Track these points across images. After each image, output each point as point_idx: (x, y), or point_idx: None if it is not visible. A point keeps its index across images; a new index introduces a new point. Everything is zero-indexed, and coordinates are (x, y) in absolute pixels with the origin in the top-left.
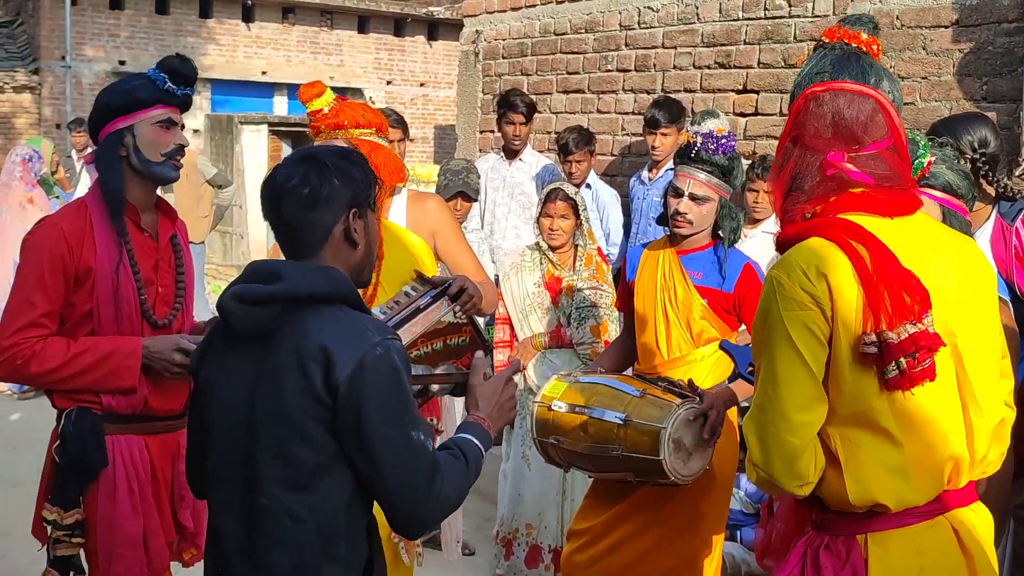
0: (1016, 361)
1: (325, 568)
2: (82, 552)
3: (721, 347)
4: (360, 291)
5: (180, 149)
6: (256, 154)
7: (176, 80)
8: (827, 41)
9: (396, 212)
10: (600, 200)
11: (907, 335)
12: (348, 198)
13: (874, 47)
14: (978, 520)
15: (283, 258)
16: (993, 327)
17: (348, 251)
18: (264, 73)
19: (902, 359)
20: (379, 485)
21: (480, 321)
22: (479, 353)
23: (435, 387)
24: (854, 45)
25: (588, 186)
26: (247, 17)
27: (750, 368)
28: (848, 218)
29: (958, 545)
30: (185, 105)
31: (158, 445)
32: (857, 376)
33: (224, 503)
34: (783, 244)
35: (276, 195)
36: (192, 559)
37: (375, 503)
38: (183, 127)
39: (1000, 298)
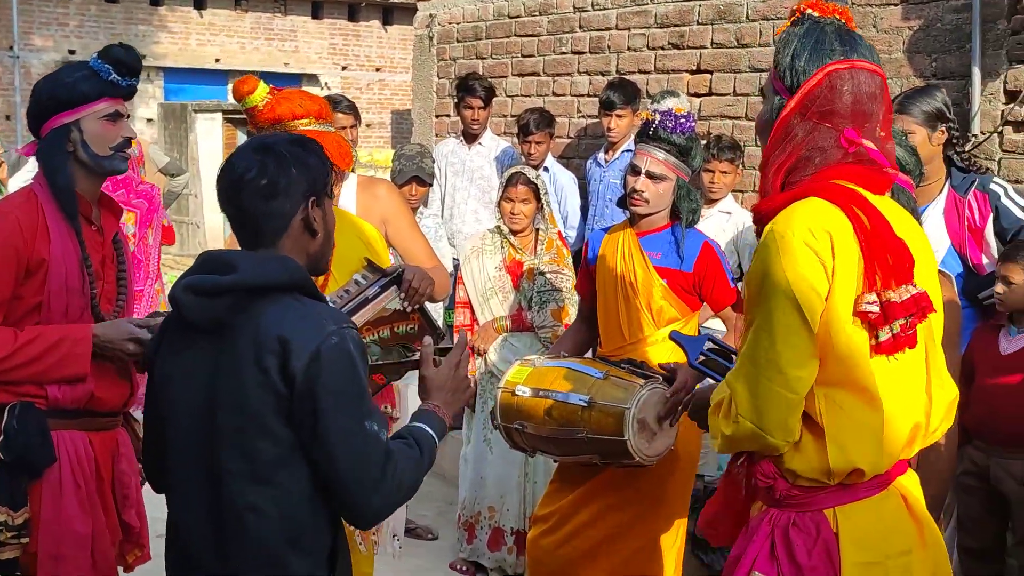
0: (958, 333)
1: (291, 560)
2: None
3: (671, 338)
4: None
5: (128, 141)
6: (211, 142)
7: (120, 71)
8: (816, 15)
9: (346, 198)
10: (558, 183)
11: (909, 295)
12: (306, 187)
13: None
14: (915, 486)
15: (239, 248)
16: (940, 307)
17: (307, 240)
18: (218, 61)
19: (896, 324)
20: (332, 474)
21: (438, 307)
22: (427, 340)
23: (390, 379)
24: (841, 19)
25: (546, 169)
26: (199, 4)
27: (701, 359)
28: (840, 184)
29: (908, 512)
30: (130, 95)
31: (100, 442)
32: (851, 337)
33: (186, 498)
34: (768, 213)
35: (234, 186)
36: (136, 561)
37: None
38: (129, 117)
39: (943, 273)
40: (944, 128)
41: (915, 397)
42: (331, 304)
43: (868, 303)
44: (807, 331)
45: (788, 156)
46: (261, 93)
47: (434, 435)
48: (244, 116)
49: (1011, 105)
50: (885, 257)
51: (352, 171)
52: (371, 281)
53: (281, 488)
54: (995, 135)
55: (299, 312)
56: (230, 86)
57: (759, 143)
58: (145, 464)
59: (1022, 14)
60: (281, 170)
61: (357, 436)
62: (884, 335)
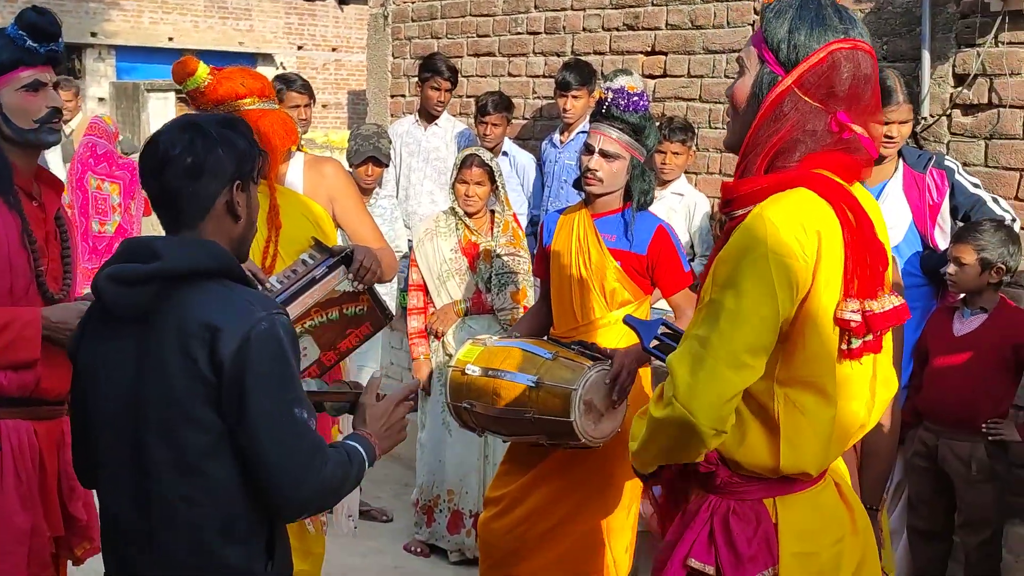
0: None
1: (226, 549)
2: None
3: (625, 322)
4: (259, 261)
5: (56, 112)
6: (164, 122)
7: (36, 36)
8: None
9: (292, 177)
10: (518, 165)
11: (891, 307)
12: (232, 169)
13: None
14: (845, 471)
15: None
16: None
17: (230, 224)
18: (171, 39)
19: (871, 333)
20: (258, 461)
21: (392, 289)
22: (376, 373)
23: (327, 405)
24: None
25: (505, 153)
26: None
27: (655, 343)
28: (826, 175)
29: (841, 500)
30: (54, 62)
31: (45, 431)
32: (826, 340)
33: (117, 491)
34: (748, 195)
35: (158, 164)
36: (85, 554)
37: None
38: (57, 86)
39: None
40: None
41: (863, 398)
42: (278, 284)
43: (851, 312)
44: (774, 325)
45: (779, 137)
46: (202, 74)
47: (365, 457)
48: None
49: (959, 88)
50: (867, 264)
51: (299, 149)
52: (318, 261)
53: (212, 477)
54: (944, 118)
55: (227, 298)
56: None
57: (731, 115)
58: (74, 458)
59: None
60: (207, 150)
61: (285, 422)
62: (856, 343)
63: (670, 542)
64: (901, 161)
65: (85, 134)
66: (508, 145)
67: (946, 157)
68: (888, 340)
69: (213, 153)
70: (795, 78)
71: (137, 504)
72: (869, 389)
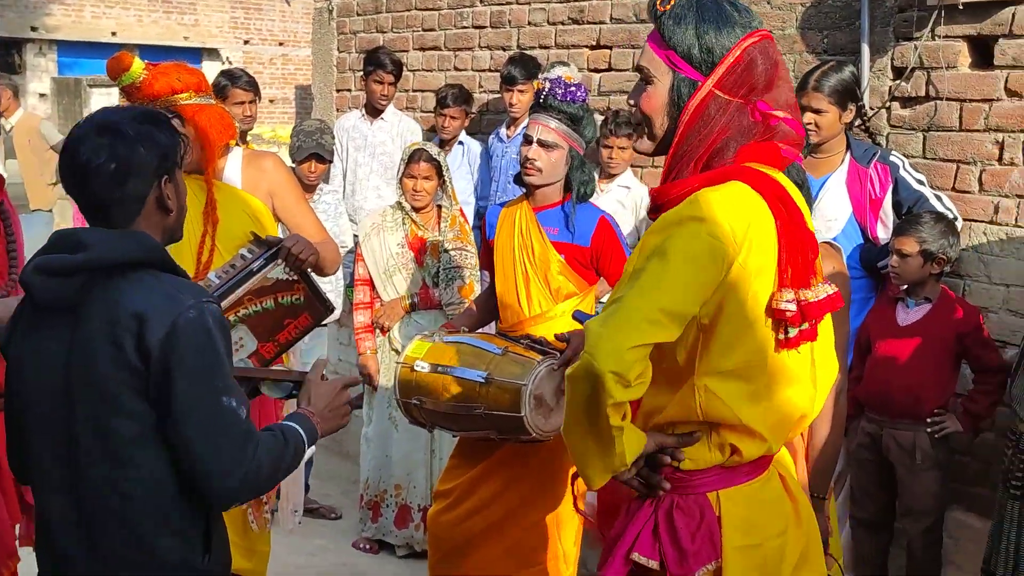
0: (847, 305)
1: (160, 541)
2: None
3: (574, 317)
4: (195, 256)
5: None
6: None
7: None
8: None
9: (231, 172)
10: (471, 154)
11: (825, 295)
12: (157, 165)
13: None
14: (789, 462)
15: None
16: None
17: (161, 217)
18: (114, 34)
19: (806, 322)
20: (186, 451)
21: (339, 285)
22: (321, 358)
23: (265, 388)
24: None
25: (461, 143)
26: None
27: None
28: (758, 168)
29: (785, 491)
30: None
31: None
32: (756, 329)
33: (50, 484)
34: (679, 197)
35: (82, 174)
36: None
37: None
38: None
39: (831, 244)
40: (853, 107)
41: (804, 387)
42: (216, 280)
43: (786, 301)
44: (695, 296)
45: (711, 141)
46: (137, 69)
47: (303, 435)
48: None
49: (898, 81)
50: (799, 254)
51: (238, 144)
52: (257, 255)
53: (144, 468)
54: (883, 110)
55: (156, 288)
56: None
57: (646, 125)
58: (8, 454)
59: None
60: (130, 152)
61: (213, 410)
62: (793, 332)
63: (614, 536)
64: (848, 154)
65: None
66: (463, 135)
67: (892, 152)
68: (826, 327)
69: (135, 154)
70: (716, 80)
71: (71, 498)
72: (810, 377)
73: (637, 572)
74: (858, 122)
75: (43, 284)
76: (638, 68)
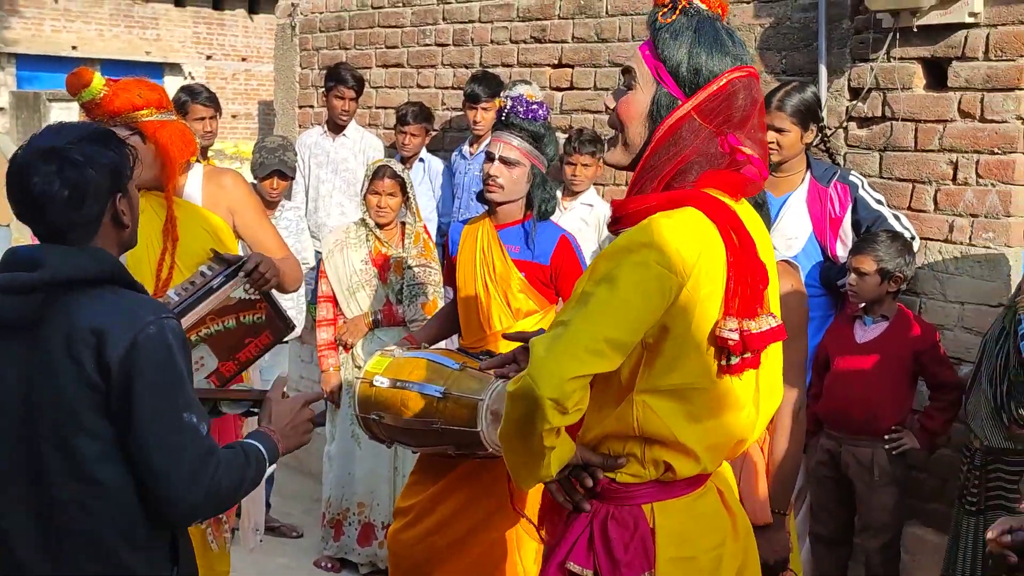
0: (805, 324)
1: (128, 557)
2: None
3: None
4: (155, 273)
5: None
6: None
7: None
8: (704, 7)
9: (191, 189)
10: (432, 171)
11: (768, 327)
12: (110, 184)
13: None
14: (730, 476)
15: None
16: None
17: (118, 232)
18: (75, 48)
19: (748, 351)
20: (146, 468)
21: (301, 302)
22: (282, 375)
23: (225, 407)
24: (722, 13)
25: (421, 160)
26: None
27: None
28: (714, 195)
29: (723, 505)
30: None
31: None
32: (703, 357)
33: (9, 500)
34: (637, 213)
35: (36, 205)
36: None
37: None
38: None
39: (789, 262)
40: (815, 128)
41: (747, 411)
42: (175, 297)
43: (729, 330)
44: (637, 326)
45: (678, 162)
46: (97, 85)
47: (264, 453)
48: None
49: (855, 102)
50: (747, 284)
51: (198, 160)
52: (217, 272)
53: (107, 485)
54: (840, 130)
55: (114, 303)
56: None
57: (617, 129)
58: None
59: (864, 15)
60: (80, 175)
61: (173, 426)
62: (734, 360)
63: (551, 545)
64: (808, 173)
65: None
66: (424, 153)
67: (851, 172)
68: (774, 354)
69: (85, 176)
70: (696, 104)
71: (34, 515)
72: (752, 403)
73: None
74: (818, 142)
75: (5, 303)
76: (625, 69)
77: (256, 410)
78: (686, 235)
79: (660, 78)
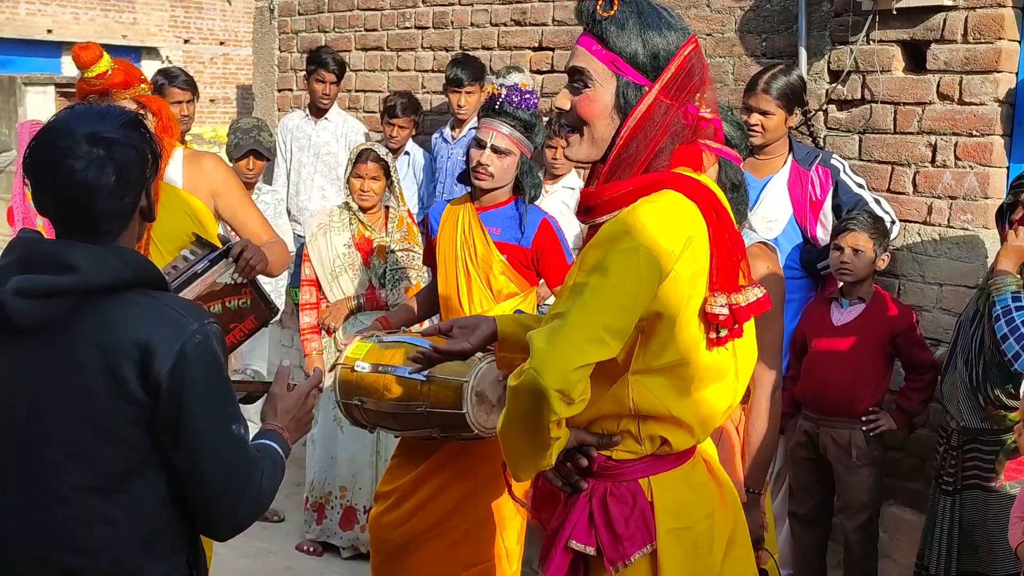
0: (781, 304)
1: (148, 567)
2: None
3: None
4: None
5: None
6: (43, 117)
7: None
8: None
9: (172, 172)
10: (417, 164)
11: (755, 299)
12: (144, 172)
13: None
14: (713, 449)
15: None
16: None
17: (143, 226)
18: (50, 32)
19: (739, 323)
20: (198, 482)
21: (281, 286)
22: (284, 362)
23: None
24: None
25: (407, 152)
26: None
27: None
28: (688, 174)
29: (710, 476)
30: None
31: None
32: (690, 331)
33: (8, 509)
34: (614, 200)
35: (83, 191)
36: None
37: None
38: None
39: (766, 243)
40: (799, 111)
41: (729, 380)
42: None
43: (719, 306)
44: (632, 312)
45: (652, 147)
46: (108, 59)
47: (282, 454)
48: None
49: (834, 84)
50: (730, 260)
51: (179, 143)
52: (200, 256)
53: (135, 496)
54: (820, 113)
55: (155, 311)
56: (64, 58)
57: (580, 130)
58: None
59: None
60: (129, 162)
61: (225, 442)
62: (724, 332)
63: (554, 528)
64: (790, 156)
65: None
66: (410, 144)
67: (833, 155)
68: (749, 323)
69: (132, 163)
70: (663, 84)
71: (41, 524)
72: (733, 370)
73: (577, 560)
74: (801, 124)
75: (25, 308)
76: (572, 70)
77: (254, 397)
78: (672, 219)
79: (619, 70)
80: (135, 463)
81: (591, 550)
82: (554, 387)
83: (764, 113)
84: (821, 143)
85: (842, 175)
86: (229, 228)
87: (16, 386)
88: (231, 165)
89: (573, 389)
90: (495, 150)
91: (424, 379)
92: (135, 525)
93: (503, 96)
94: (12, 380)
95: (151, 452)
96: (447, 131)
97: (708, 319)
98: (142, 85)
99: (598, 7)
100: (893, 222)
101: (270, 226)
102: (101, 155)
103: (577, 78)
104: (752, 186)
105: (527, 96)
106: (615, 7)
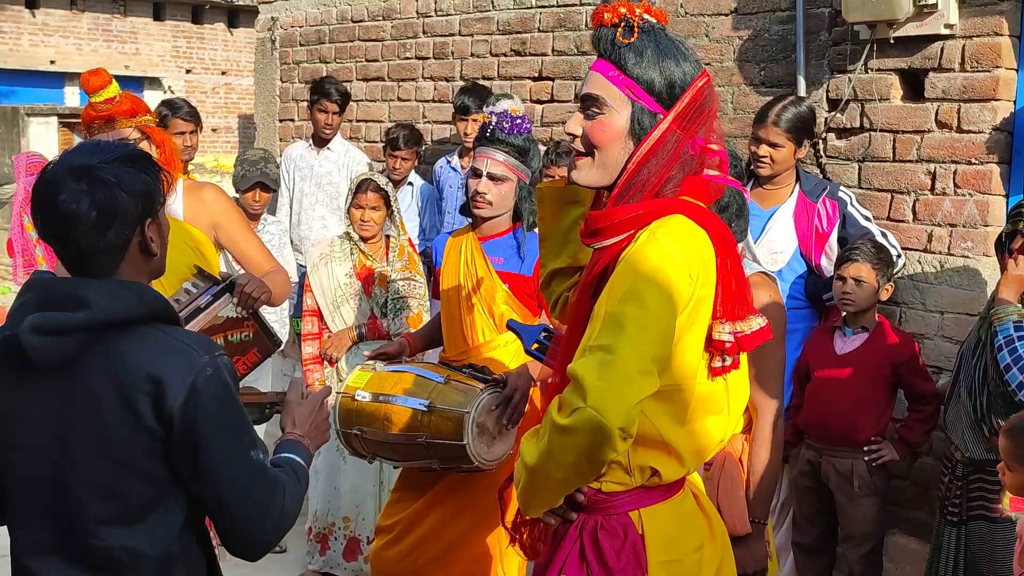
0: (782, 334)
1: None
2: None
3: (508, 326)
4: None
5: None
6: (45, 147)
7: None
8: (654, 21)
9: (173, 204)
10: (419, 195)
11: (758, 327)
12: (140, 209)
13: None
14: (698, 480)
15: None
16: None
17: (145, 261)
18: (53, 63)
19: (741, 351)
20: (221, 509)
21: (284, 317)
22: (296, 375)
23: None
24: (664, 22)
25: (410, 183)
26: (31, 3)
27: (535, 346)
28: (694, 203)
29: (699, 509)
30: None
31: None
32: (693, 357)
33: (37, 543)
34: (623, 223)
35: (63, 224)
36: None
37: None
38: None
39: (766, 274)
40: (808, 143)
41: (722, 413)
42: None
43: (726, 333)
44: (670, 339)
45: (662, 175)
46: (116, 85)
47: (304, 464)
48: (79, 119)
49: (833, 113)
50: (737, 287)
51: (183, 175)
52: (202, 289)
53: (156, 525)
54: (819, 141)
55: (166, 345)
56: (67, 89)
57: (590, 154)
58: None
59: (841, 26)
60: (111, 199)
61: (246, 469)
62: (728, 361)
63: (543, 564)
64: (797, 188)
65: (27, 174)
66: (412, 175)
67: (840, 188)
68: (742, 357)
69: (116, 200)
70: (677, 114)
71: (68, 559)
72: (726, 402)
73: None
74: (810, 156)
75: (40, 344)
76: (587, 96)
77: (270, 411)
78: (689, 243)
79: (635, 96)
80: (156, 495)
81: None
82: (618, 425)
83: (773, 145)
84: (820, 171)
85: (849, 208)
86: (232, 258)
87: (44, 426)
88: (238, 196)
89: (633, 425)
90: (491, 177)
91: (425, 409)
92: (155, 554)
93: (494, 124)
94: (39, 420)
95: (171, 483)
96: (454, 160)
97: (713, 346)
98: (147, 116)
99: (618, 34)
100: (899, 255)
101: (271, 255)
102: (82, 189)
103: (591, 104)
104: (758, 217)
105: (518, 122)
106: (635, 35)
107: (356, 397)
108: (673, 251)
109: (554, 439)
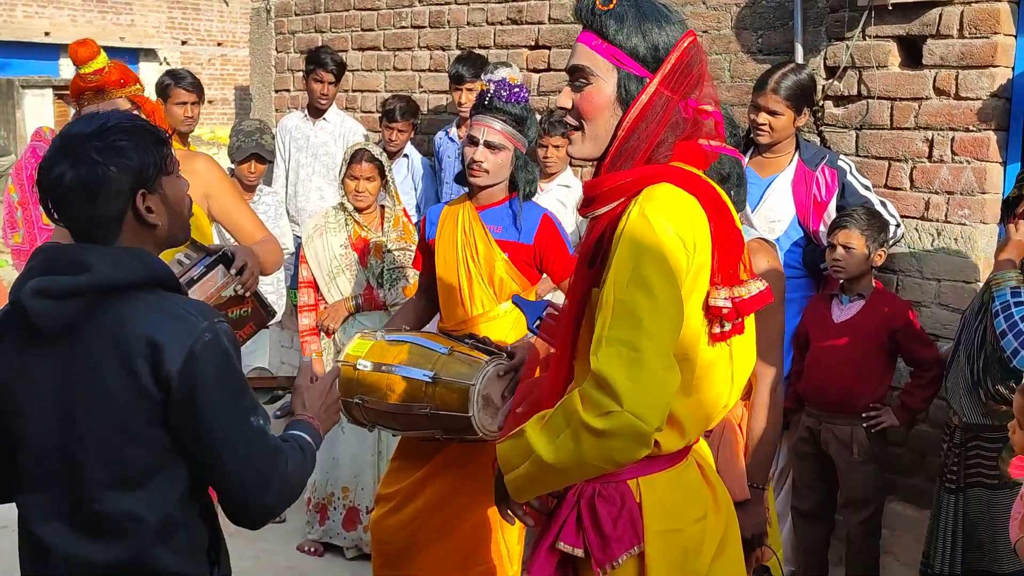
0: (781, 301)
1: (170, 560)
2: None
3: (513, 301)
4: None
5: None
6: (41, 119)
7: None
8: None
9: None
10: (415, 167)
11: (757, 291)
12: (131, 180)
13: None
14: (706, 451)
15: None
16: None
17: (148, 231)
18: (47, 34)
19: (740, 317)
20: (221, 475)
21: (278, 285)
22: (305, 359)
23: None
24: None
25: (406, 155)
26: None
27: (537, 323)
28: (686, 168)
29: (703, 479)
30: None
31: None
32: (696, 327)
33: (43, 509)
34: (614, 190)
35: (55, 197)
36: None
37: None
38: None
39: (765, 240)
40: (808, 111)
41: (726, 379)
42: None
43: (721, 299)
44: (681, 320)
45: (654, 137)
46: (104, 56)
47: (312, 442)
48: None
49: (831, 80)
50: (731, 252)
51: (181, 146)
52: (195, 260)
53: (157, 491)
54: (818, 109)
55: (166, 310)
56: (61, 60)
57: (581, 125)
58: None
59: None
60: (92, 173)
61: (244, 433)
62: (728, 327)
63: (540, 532)
64: (797, 156)
65: (32, 140)
66: (408, 148)
67: (840, 156)
68: (750, 321)
69: (97, 174)
70: (663, 77)
71: (72, 523)
72: (729, 370)
73: (565, 563)
74: (810, 124)
75: (43, 308)
76: (574, 68)
77: (280, 394)
78: (679, 212)
79: (620, 62)
80: (156, 460)
81: (579, 552)
82: (656, 426)
83: (772, 113)
84: (818, 139)
85: (849, 176)
86: (224, 228)
87: (48, 392)
88: (233, 168)
89: (664, 422)
90: (488, 145)
91: (429, 380)
92: (156, 520)
93: (492, 92)
94: (44, 386)
95: (171, 450)
96: (452, 130)
97: (711, 313)
98: (136, 85)
99: (597, 2)
100: (898, 225)
101: (263, 225)
102: (67, 164)
103: (578, 76)
104: (756, 185)
105: (516, 90)
106: (614, 1)
107: (358, 366)
108: (665, 225)
109: (587, 441)
